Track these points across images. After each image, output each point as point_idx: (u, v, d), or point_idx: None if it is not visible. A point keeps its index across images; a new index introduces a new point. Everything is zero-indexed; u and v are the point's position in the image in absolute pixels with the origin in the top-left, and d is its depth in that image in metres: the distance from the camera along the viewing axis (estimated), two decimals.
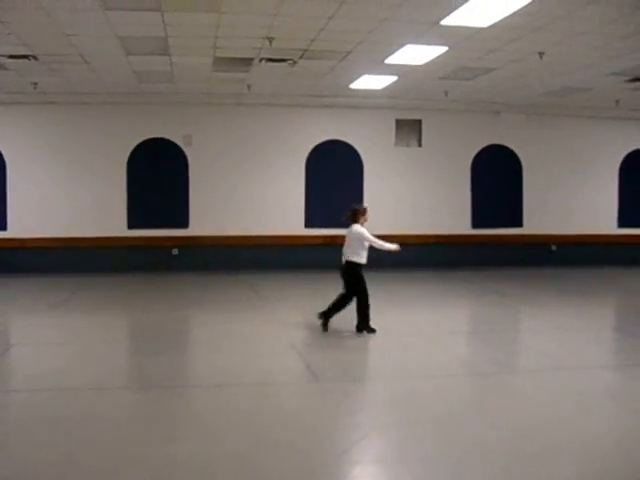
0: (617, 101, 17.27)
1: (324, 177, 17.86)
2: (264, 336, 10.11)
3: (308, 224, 17.84)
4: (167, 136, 17.21)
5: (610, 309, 13.81)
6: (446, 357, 9.01)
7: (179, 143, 17.26)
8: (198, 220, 17.34)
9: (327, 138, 17.91)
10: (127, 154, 17.07)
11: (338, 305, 10.38)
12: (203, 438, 5.84)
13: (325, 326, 10.39)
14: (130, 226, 17.06)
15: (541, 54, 11.93)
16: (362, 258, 10.25)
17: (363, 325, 10.29)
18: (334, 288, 14.80)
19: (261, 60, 12.62)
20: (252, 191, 17.52)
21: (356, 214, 10.48)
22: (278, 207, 17.67)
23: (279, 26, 10.36)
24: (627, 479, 5.15)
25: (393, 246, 10.39)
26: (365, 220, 10.49)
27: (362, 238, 10.19)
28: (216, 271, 16.76)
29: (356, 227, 10.34)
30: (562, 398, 7.19)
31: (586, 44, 11.40)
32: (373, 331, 10.26)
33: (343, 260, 10.38)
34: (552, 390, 7.51)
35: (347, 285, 10.33)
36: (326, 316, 10.40)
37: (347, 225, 10.56)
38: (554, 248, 19.41)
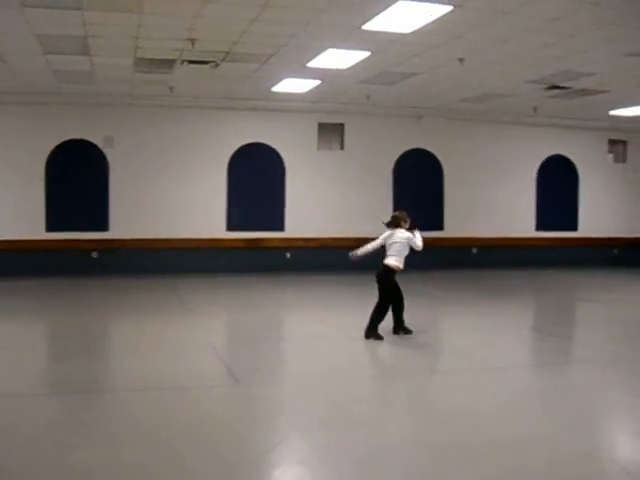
0: (535, 108, 17.69)
1: (246, 180, 17.79)
2: (185, 340, 9.99)
3: (230, 227, 17.73)
4: (87, 137, 16.87)
5: (529, 309, 14.10)
6: (367, 359, 9.08)
7: (99, 145, 16.94)
8: (119, 223, 17.05)
9: (250, 141, 17.84)
10: (46, 155, 16.66)
11: (379, 316, 10.10)
12: (122, 443, 5.73)
13: (379, 336, 9.94)
14: (49, 229, 16.68)
15: (461, 60, 12.13)
16: (401, 264, 10.17)
17: (400, 326, 10.23)
18: (255, 291, 14.87)
19: (183, 62, 12.52)
20: (174, 194, 17.33)
21: (398, 219, 10.37)
22: (200, 210, 17.51)
23: (201, 28, 10.30)
24: (544, 478, 5.25)
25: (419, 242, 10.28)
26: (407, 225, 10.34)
27: (408, 240, 10.14)
28: (138, 275, 16.51)
29: (401, 231, 10.21)
30: (483, 398, 7.28)
31: (505, 52, 11.64)
32: (410, 332, 10.22)
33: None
34: (473, 390, 7.61)
35: (383, 290, 10.18)
36: (371, 330, 9.98)
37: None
38: (475, 251, 19.75)
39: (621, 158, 21.87)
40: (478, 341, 10.27)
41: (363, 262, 10.68)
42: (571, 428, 6.37)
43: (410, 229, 10.32)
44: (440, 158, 19.43)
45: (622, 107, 17.63)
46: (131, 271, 16.68)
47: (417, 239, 10.24)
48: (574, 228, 20.79)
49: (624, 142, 21.75)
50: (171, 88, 15.16)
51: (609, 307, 13.74)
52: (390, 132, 18.94)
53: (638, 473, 5.43)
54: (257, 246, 17.83)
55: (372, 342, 9.94)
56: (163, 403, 6.95)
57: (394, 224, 10.31)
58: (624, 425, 6.84)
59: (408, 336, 10.18)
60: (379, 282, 10.22)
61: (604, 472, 5.40)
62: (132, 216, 17.06)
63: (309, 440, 6.08)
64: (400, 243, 10.11)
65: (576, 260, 20.28)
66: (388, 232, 10.26)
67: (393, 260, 10.08)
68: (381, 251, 10.35)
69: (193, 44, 11.07)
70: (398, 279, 10.22)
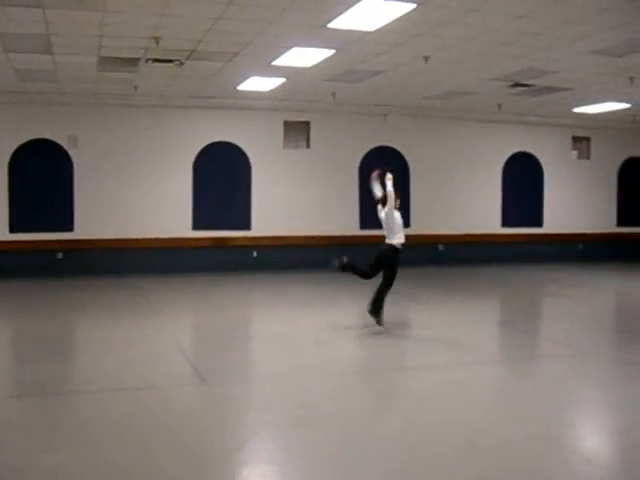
0: (500, 105, 17.84)
1: (212, 179, 17.73)
2: (151, 340, 9.94)
3: (196, 226, 17.66)
4: (51, 137, 16.68)
5: (496, 305, 14.21)
6: (337, 356, 9.07)
7: (64, 144, 16.77)
8: (84, 223, 16.88)
9: (215, 140, 17.77)
10: (9, 156, 16.44)
11: (384, 293, 10.36)
12: (87, 445, 5.69)
13: (379, 321, 10.31)
14: (12, 230, 16.49)
15: (426, 58, 12.19)
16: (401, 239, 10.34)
17: (374, 309, 10.32)
18: (222, 290, 14.83)
19: (147, 60, 12.45)
20: (139, 193, 17.21)
21: (386, 198, 10.41)
22: (166, 209, 17.41)
23: (165, 26, 10.24)
24: (507, 468, 5.30)
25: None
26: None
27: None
28: (103, 275, 16.40)
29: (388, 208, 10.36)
30: (453, 394, 7.34)
31: (469, 50, 11.71)
32: (379, 320, 10.29)
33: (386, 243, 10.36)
34: (439, 386, 7.66)
35: (382, 268, 10.39)
36: (377, 309, 10.31)
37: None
38: (441, 247, 19.86)
39: (585, 155, 22.11)
40: (446, 337, 10.33)
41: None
42: (536, 421, 6.45)
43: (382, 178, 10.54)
44: (406, 155, 19.50)
45: (586, 104, 17.83)
46: (97, 271, 16.57)
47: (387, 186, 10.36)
48: (539, 224, 20.98)
49: (588, 139, 21.99)
50: (136, 87, 15.07)
51: (574, 302, 13.91)
52: (356, 130, 18.98)
53: (600, 463, 5.54)
54: (223, 245, 17.78)
55: (341, 339, 10.00)
56: (130, 403, 6.91)
57: (382, 202, 10.54)
58: (587, 417, 6.95)
59: (377, 331, 10.21)
60: (382, 261, 10.40)
61: (568, 463, 5.48)
62: (97, 216, 16.91)
63: (277, 438, 6.09)
64: (388, 218, 10.30)
65: (541, 256, 20.50)
66: (381, 211, 10.51)
67: (396, 239, 10.32)
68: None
69: (157, 43, 11.01)
70: None
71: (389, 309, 11.01)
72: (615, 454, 5.91)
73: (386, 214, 10.39)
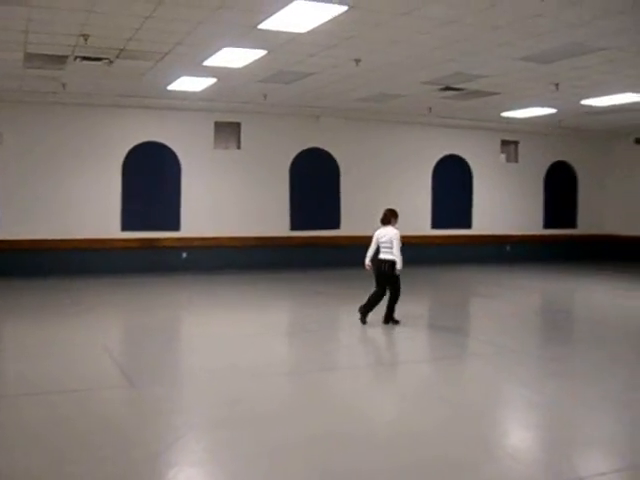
0: (430, 108, 18.06)
1: (141, 179, 17.53)
2: (78, 342, 9.76)
3: (125, 227, 17.43)
4: None
5: (424, 306, 14.34)
6: (265, 357, 9.05)
7: None
8: (9, 223, 16.48)
9: (145, 140, 17.58)
10: None
11: (374, 302, 10.97)
12: (10, 449, 5.56)
13: (364, 320, 10.93)
14: None
15: (357, 61, 12.28)
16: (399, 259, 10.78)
17: (390, 317, 10.97)
18: (151, 292, 14.67)
19: (76, 58, 12.27)
20: (67, 193, 16.91)
21: (392, 216, 11.18)
22: (94, 210, 17.14)
23: (94, 24, 10.11)
24: (437, 465, 5.37)
25: (399, 265, 10.85)
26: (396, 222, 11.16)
27: (397, 240, 10.82)
28: (30, 276, 16.06)
29: (391, 229, 10.99)
30: (381, 392, 7.41)
31: (399, 53, 11.84)
32: (397, 322, 10.95)
33: (399, 261, 10.80)
34: (368, 386, 7.72)
35: (385, 282, 10.89)
36: (365, 312, 10.95)
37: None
38: None
39: (513, 158, 22.57)
40: (376, 338, 10.42)
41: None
42: (462, 418, 6.55)
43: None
44: (337, 157, 19.61)
45: (514, 109, 18.18)
46: (23, 273, 16.22)
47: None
48: (468, 226, 21.32)
49: (516, 143, 22.46)
50: (64, 85, 14.83)
51: (500, 302, 14.16)
52: (287, 131, 19.01)
53: (524, 459, 5.66)
54: (153, 246, 17.61)
55: (271, 340, 10.02)
56: (54, 407, 6.77)
57: (386, 221, 11.14)
58: (512, 414, 7.08)
59: (303, 333, 10.22)
60: (383, 275, 10.88)
61: (493, 458, 5.57)
62: (23, 216, 16.54)
63: (204, 439, 6.04)
64: (393, 240, 10.82)
65: (470, 257, 20.84)
66: (380, 231, 11.11)
67: (392, 255, 10.77)
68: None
69: (86, 40, 10.87)
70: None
71: (316, 310, 11.06)
72: (537, 449, 6.04)
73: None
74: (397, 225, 11.13)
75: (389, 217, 11.13)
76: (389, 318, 11.01)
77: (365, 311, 10.98)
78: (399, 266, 10.78)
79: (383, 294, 10.98)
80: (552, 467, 5.48)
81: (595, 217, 23.86)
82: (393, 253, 10.80)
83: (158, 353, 9.24)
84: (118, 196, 17.40)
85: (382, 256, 10.94)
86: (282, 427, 6.25)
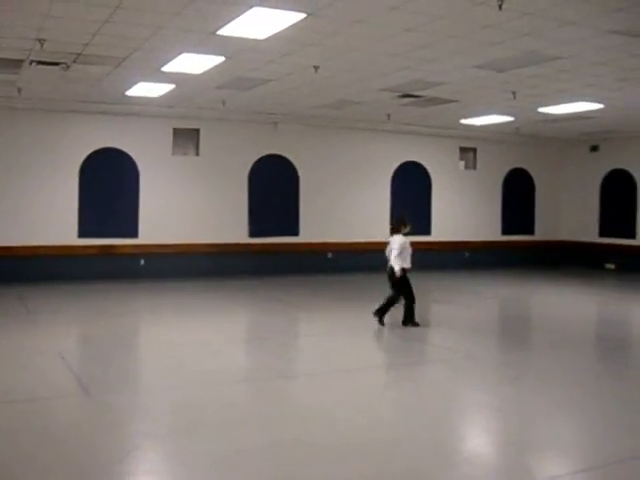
0: (389, 115, 18.14)
1: (99, 186, 17.33)
2: (32, 350, 9.61)
3: (82, 234, 17.22)
4: None
5: None
6: (223, 365, 9.02)
7: None
8: None
9: (103, 146, 17.40)
10: None
11: (389, 304, 11.53)
12: None
13: (381, 321, 11.52)
14: None
15: (316, 67, 12.29)
16: (407, 264, 11.34)
17: (409, 319, 11.53)
18: (108, 299, 14.52)
19: (32, 62, 12.10)
20: (22, 199, 16.62)
21: (399, 224, 11.62)
22: (50, 216, 16.88)
23: (50, 28, 9.98)
24: (393, 470, 5.39)
25: (397, 268, 11.23)
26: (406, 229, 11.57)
27: (397, 246, 11.23)
28: None
29: (398, 237, 11.40)
30: (336, 400, 7.39)
31: (358, 60, 11.87)
32: (417, 325, 11.52)
33: (396, 267, 11.21)
34: (326, 392, 7.71)
35: (392, 287, 11.47)
36: (381, 313, 11.51)
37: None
38: (330, 255, 20.03)
39: (472, 165, 22.76)
40: (335, 345, 10.42)
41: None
42: (423, 424, 6.61)
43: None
44: (296, 164, 19.60)
45: (472, 116, 18.33)
46: None
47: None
48: (427, 232, 21.39)
49: (474, 150, 22.66)
50: (19, 89, 14.64)
51: (458, 307, 14.26)
52: (246, 138, 18.97)
53: (481, 463, 5.72)
54: (110, 253, 17.44)
55: (229, 348, 10.01)
56: (5, 417, 6.67)
57: (395, 230, 11.59)
58: (469, 419, 7.14)
59: (261, 340, 10.18)
60: (390, 281, 11.47)
61: (451, 464, 5.61)
62: None
63: (160, 448, 6.00)
64: (400, 247, 11.21)
65: (429, 263, 20.79)
66: (392, 238, 11.52)
67: (399, 263, 11.21)
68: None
69: (42, 44, 10.73)
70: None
71: (274, 317, 11.01)
72: (494, 454, 6.09)
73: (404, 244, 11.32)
74: (405, 232, 11.51)
75: (396, 228, 11.62)
76: (407, 321, 11.53)
77: (380, 314, 11.50)
78: (396, 270, 11.15)
79: (395, 298, 11.49)
80: (509, 471, 5.54)
81: (551, 223, 24.18)
82: (404, 260, 11.30)
83: (114, 361, 9.15)
84: (75, 203, 17.18)
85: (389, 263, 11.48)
86: (238, 435, 6.23)
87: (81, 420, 6.74)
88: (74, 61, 12.04)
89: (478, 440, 6.55)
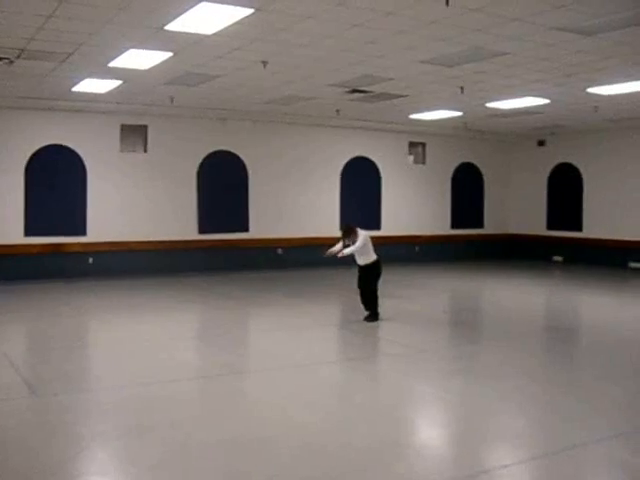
0: (338, 110, 18.17)
1: (45, 183, 17.04)
2: None
3: (28, 232, 16.94)
4: None
5: (331, 307, 14.42)
6: (172, 362, 8.96)
7: None
8: None
9: (49, 143, 17.12)
10: None
11: (373, 298, 12.01)
12: None
13: (375, 316, 11.93)
14: None
15: (264, 63, 12.25)
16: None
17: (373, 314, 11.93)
18: (55, 298, 14.32)
19: None
20: None
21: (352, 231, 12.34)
22: None
23: None
24: (346, 465, 5.41)
25: (347, 251, 12.26)
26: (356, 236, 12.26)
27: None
28: None
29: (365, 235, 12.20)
30: (288, 396, 7.41)
31: (307, 56, 11.86)
32: (376, 318, 11.90)
33: (366, 261, 12.23)
34: (278, 388, 7.72)
35: (368, 279, 12.11)
36: (372, 309, 11.93)
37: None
38: (280, 251, 20.02)
39: (421, 159, 22.92)
40: (288, 340, 10.44)
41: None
42: (371, 419, 6.63)
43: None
44: (245, 160, 19.54)
45: (421, 111, 18.44)
46: None
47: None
48: (377, 227, 21.45)
49: (423, 144, 22.83)
50: None
51: (408, 302, 14.38)
52: (195, 134, 18.86)
53: (431, 455, 5.80)
54: (58, 251, 17.19)
55: (180, 345, 9.96)
56: None
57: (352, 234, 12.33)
58: (419, 412, 7.21)
59: (211, 337, 10.14)
60: (371, 272, 12.21)
61: (401, 457, 5.65)
62: None
63: (109, 448, 5.94)
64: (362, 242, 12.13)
65: (382, 257, 20.94)
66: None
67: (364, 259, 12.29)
68: None
69: None
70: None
71: (223, 313, 10.92)
72: (444, 445, 6.15)
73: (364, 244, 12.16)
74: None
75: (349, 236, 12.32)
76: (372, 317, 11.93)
77: (372, 309, 11.95)
78: (345, 252, 12.24)
79: (372, 288, 12.12)
80: (458, 461, 5.61)
81: (500, 217, 24.49)
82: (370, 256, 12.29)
83: (62, 361, 9.02)
84: (21, 201, 16.87)
85: None
86: (188, 433, 6.21)
87: (26, 421, 6.63)
88: (18, 56, 11.84)
89: (428, 433, 6.62)
